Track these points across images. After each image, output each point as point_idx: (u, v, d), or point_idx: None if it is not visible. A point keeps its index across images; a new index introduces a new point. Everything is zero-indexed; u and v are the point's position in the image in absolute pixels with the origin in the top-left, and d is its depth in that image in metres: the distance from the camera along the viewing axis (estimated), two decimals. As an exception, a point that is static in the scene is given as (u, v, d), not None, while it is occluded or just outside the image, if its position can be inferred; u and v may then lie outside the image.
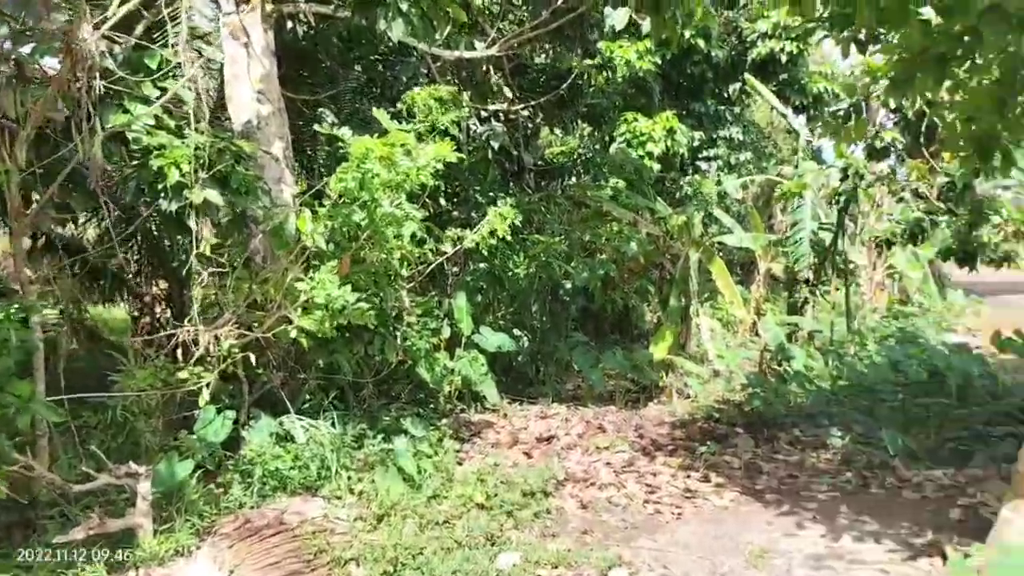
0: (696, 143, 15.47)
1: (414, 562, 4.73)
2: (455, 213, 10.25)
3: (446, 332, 9.27)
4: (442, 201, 10.92)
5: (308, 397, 6.84)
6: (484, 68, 8.61)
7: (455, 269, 10.37)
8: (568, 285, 10.12)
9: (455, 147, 10.17)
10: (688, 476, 6.59)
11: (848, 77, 11.64)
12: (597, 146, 14.01)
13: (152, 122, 5.47)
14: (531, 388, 10.28)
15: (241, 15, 7.44)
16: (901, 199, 13.02)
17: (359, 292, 6.74)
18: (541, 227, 10.58)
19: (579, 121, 12.04)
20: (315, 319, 5.71)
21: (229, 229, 6.15)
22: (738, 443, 7.46)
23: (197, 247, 5.68)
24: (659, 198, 12.79)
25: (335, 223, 6.38)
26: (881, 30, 5.79)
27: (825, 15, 5.70)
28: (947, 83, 6.18)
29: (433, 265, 8.40)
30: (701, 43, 13.67)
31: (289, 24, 9.44)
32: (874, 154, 10.08)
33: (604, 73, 11.07)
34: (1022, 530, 4.22)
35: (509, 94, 9.22)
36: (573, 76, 9.62)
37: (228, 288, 6.39)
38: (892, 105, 6.71)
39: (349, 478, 5.87)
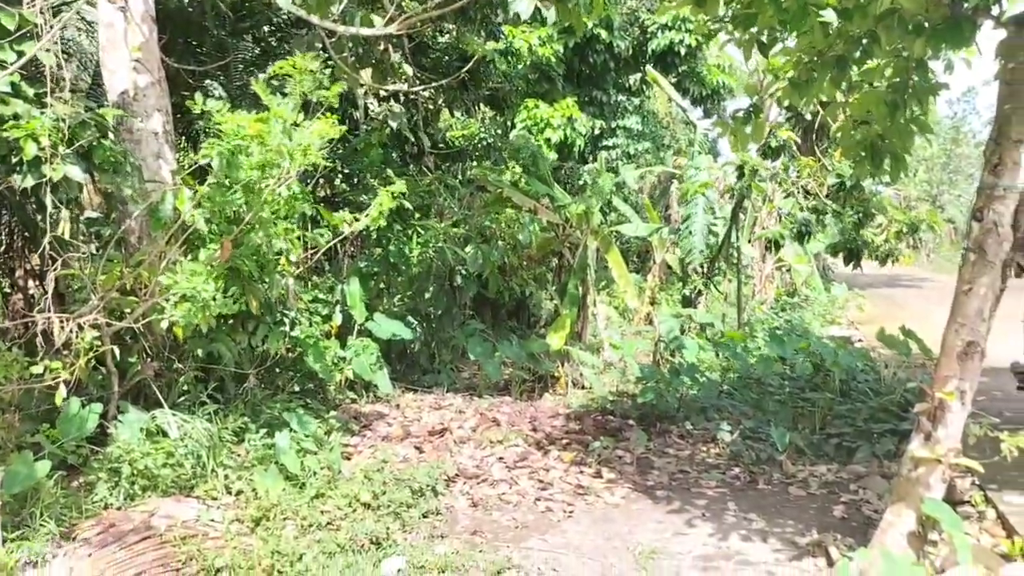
0: (596, 132, 15.53)
1: (292, 569, 4.46)
2: (352, 196, 9.89)
3: (338, 319, 8.96)
4: (338, 182, 10.56)
5: (185, 389, 6.42)
6: (383, 46, 8.26)
7: (350, 254, 10.02)
8: (464, 271, 9.89)
9: (351, 127, 9.84)
10: (581, 472, 6.51)
11: (748, 75, 11.83)
12: (499, 131, 13.85)
13: (8, 89, 4.94)
14: (426, 377, 10.05)
15: (118, -25, 6.88)
16: (791, 195, 13.39)
17: (241, 278, 6.40)
18: (440, 212, 10.32)
19: (481, 105, 11.80)
20: (183, 311, 5.30)
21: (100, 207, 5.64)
22: (631, 437, 7.44)
23: (54, 228, 5.18)
24: (559, 186, 12.74)
25: (215, 204, 5.98)
26: (782, 32, 5.80)
27: (728, 15, 5.67)
28: (843, 86, 6.30)
29: (322, 250, 8.06)
30: (603, 33, 13.67)
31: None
32: (769, 153, 10.25)
33: (507, 58, 10.87)
34: (903, 535, 4.29)
35: (410, 73, 8.90)
36: (475, 59, 9.35)
37: (95, 272, 5.91)
38: (786, 104, 6.75)
39: (227, 477, 5.52)
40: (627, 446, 7.14)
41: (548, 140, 13.41)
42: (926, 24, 5.08)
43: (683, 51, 15.03)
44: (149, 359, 6.37)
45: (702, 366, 10.16)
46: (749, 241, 14.64)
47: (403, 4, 8.32)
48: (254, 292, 6.65)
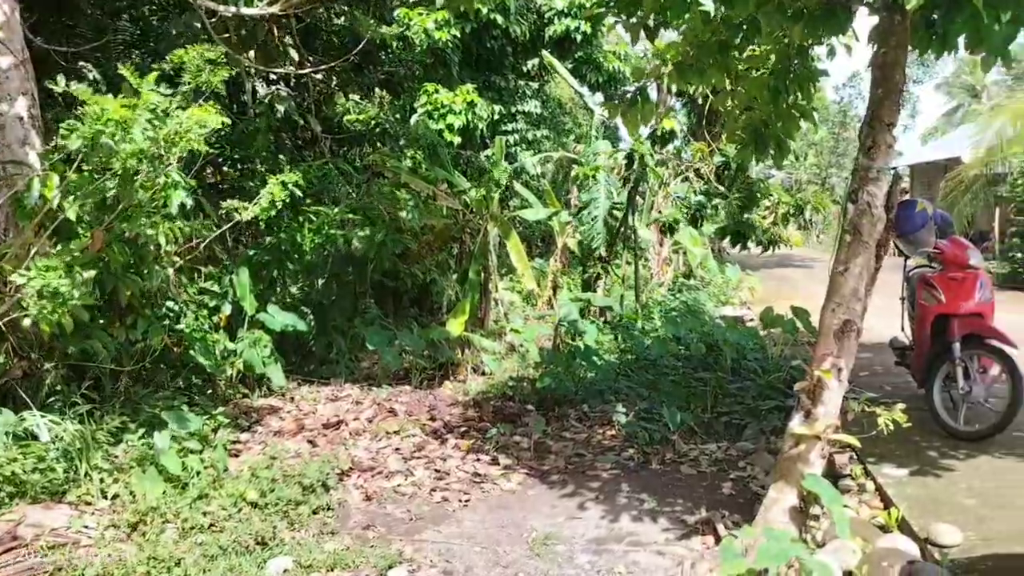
0: (496, 117, 15.45)
1: (169, 575, 4.26)
2: (242, 184, 9.54)
3: (228, 311, 8.65)
4: (228, 169, 10.17)
5: (57, 389, 6.06)
6: (267, 27, 7.96)
7: (243, 243, 9.69)
8: (356, 258, 9.68)
9: (238, 112, 9.46)
10: (478, 459, 6.47)
11: (641, 60, 11.95)
12: (397, 116, 13.62)
13: None
14: (324, 368, 9.81)
15: (-28, -54, 6.39)
16: (686, 179, 13.67)
17: (112, 270, 6.08)
18: (335, 199, 10.07)
19: (377, 89, 11.57)
20: (37, 308, 4.98)
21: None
22: (529, 422, 7.44)
23: None
24: (459, 172, 12.63)
25: (85, 192, 5.64)
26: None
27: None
28: (729, 72, 6.41)
29: (207, 240, 7.75)
30: (499, 18, 13.59)
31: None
32: (659, 138, 10.40)
33: (401, 41, 10.68)
34: (785, 511, 4.40)
35: (297, 56, 8.62)
36: (364, 42, 9.13)
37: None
38: (675, 89, 6.83)
39: (102, 480, 5.24)
40: (525, 431, 7.13)
41: (451, 126, 13.26)
42: (804, 11, 5.19)
43: (579, 38, 15.08)
44: (17, 358, 5.99)
45: (601, 349, 10.27)
46: (648, 225, 14.86)
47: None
48: (127, 284, 6.34)
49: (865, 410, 4.90)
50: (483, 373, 9.66)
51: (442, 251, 12.81)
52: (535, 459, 6.53)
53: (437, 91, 13.02)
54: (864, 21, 6.72)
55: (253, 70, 8.48)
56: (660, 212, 14.40)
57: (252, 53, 8.25)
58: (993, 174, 20.59)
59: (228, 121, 6.11)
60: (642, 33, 5.81)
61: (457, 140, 13.28)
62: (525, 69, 16.61)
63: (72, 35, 8.77)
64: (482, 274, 11.67)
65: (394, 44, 10.73)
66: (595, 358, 8.94)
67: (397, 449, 6.65)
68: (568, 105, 22.37)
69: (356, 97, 12.55)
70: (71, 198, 5.68)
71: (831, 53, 7.38)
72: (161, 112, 5.42)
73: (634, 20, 5.93)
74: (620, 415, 7.31)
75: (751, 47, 6.12)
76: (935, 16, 4.99)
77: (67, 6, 8.56)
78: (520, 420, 7.60)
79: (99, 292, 6.26)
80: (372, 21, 9.67)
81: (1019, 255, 18.00)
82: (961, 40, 4.87)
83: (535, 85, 16.87)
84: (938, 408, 6.12)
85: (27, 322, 5.11)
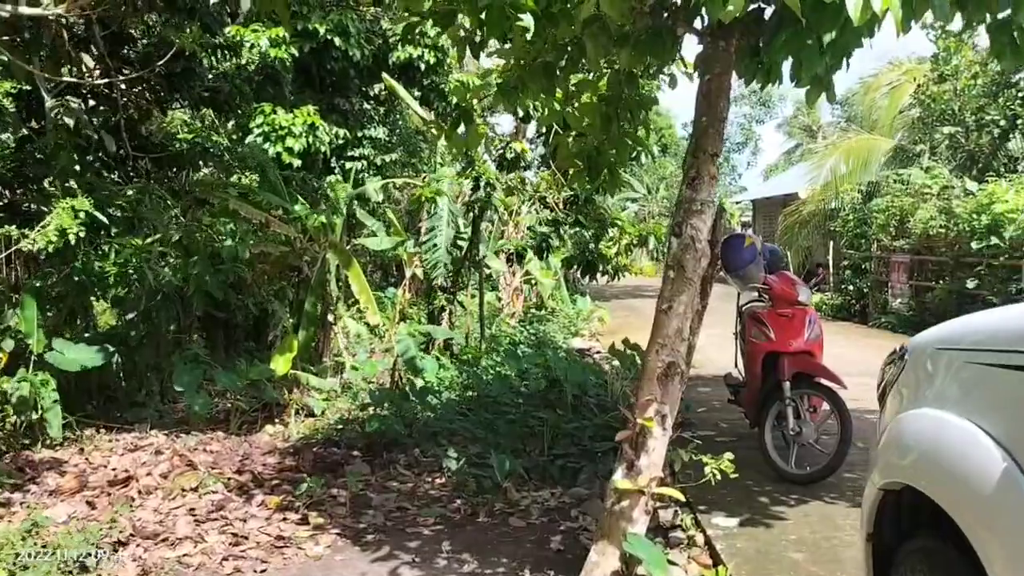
0: (342, 141, 14.80)
1: None
2: (29, 207, 8.46)
3: (9, 347, 7.59)
4: (19, 192, 9.03)
5: None
6: (54, 31, 7.06)
7: (31, 273, 8.59)
8: (164, 292, 8.77)
9: (34, 126, 8.41)
10: (285, 519, 5.76)
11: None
12: (230, 136, 12.75)
13: None
14: (131, 411, 8.80)
15: None
16: (534, 208, 13.43)
17: None
18: (151, 225, 9.12)
19: (200, 107, 10.69)
20: None
21: None
22: (352, 471, 6.80)
23: None
24: (300, 197, 11.89)
25: None
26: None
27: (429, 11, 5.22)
28: (559, 95, 6.09)
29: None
30: (337, 40, 13.02)
31: None
32: (505, 164, 10.07)
33: (221, 54, 9.90)
34: (607, 575, 3.98)
35: (92, 64, 7.72)
36: (172, 53, 8.32)
37: None
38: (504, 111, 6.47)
39: None
40: (345, 483, 6.47)
41: (290, 149, 12.49)
42: (630, 34, 4.90)
43: (423, 66, 14.68)
44: None
45: (442, 385, 9.75)
46: (497, 254, 14.51)
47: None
48: None
49: (693, 459, 4.57)
50: (311, 415, 8.91)
51: (279, 281, 12.03)
52: (351, 516, 5.89)
53: (274, 111, 12.26)
54: (695, 49, 6.56)
55: (47, 80, 7.50)
56: (510, 241, 14.08)
57: (40, 60, 7.29)
58: (828, 209, 21.62)
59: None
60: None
61: (297, 163, 12.55)
62: (372, 93, 16.06)
63: None
64: (319, 305, 10.98)
65: (216, 58, 9.90)
66: (431, 397, 8.41)
67: (192, 510, 5.84)
68: (424, 131, 21.92)
69: (182, 115, 11.61)
70: None
71: (672, 83, 7.23)
72: None
73: (459, 35, 5.54)
74: (451, 460, 6.78)
75: (579, 71, 5.83)
76: (760, 44, 4.82)
77: None
78: (343, 468, 6.94)
79: None
80: (189, 33, 8.84)
81: (850, 287, 18.86)
82: (786, 71, 4.71)
83: (383, 110, 16.33)
84: (769, 449, 5.95)
85: None
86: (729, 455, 4.56)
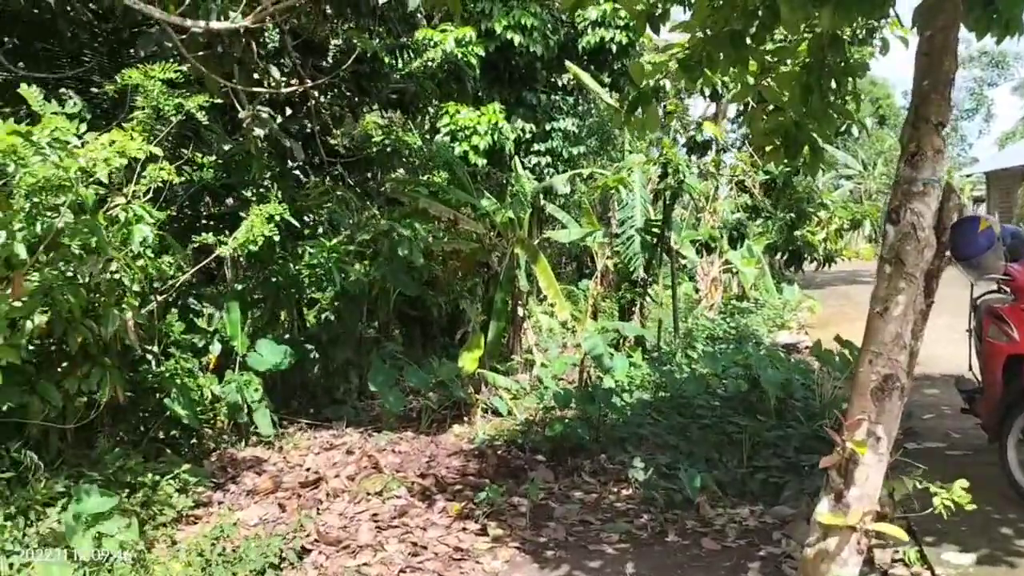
0: (528, 136, 14.68)
1: None
2: (232, 214, 8.88)
3: (217, 351, 7.99)
4: (224, 199, 9.53)
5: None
6: (243, 43, 7.30)
7: (234, 278, 9.02)
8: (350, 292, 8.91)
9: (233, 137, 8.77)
10: (464, 529, 5.57)
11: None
12: (424, 136, 12.94)
13: None
14: (329, 409, 9.06)
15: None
16: (734, 192, 12.61)
17: (61, 315, 5.41)
18: (339, 229, 9.34)
19: (387, 109, 10.86)
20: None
21: None
22: (534, 477, 6.52)
23: None
24: (487, 193, 11.87)
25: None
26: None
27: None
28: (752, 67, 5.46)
29: (187, 275, 7.07)
30: (516, 38, 12.87)
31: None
32: (695, 147, 9.42)
33: (410, 55, 9.97)
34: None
35: (278, 74, 7.95)
36: (354, 56, 8.41)
37: None
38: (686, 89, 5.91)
39: (12, 565, 4.51)
40: (527, 491, 6.19)
41: (476, 148, 12.52)
42: (833, -9, 4.22)
43: (615, 48, 14.21)
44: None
45: (632, 386, 9.29)
46: (695, 244, 13.80)
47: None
48: (79, 330, 5.67)
49: (917, 487, 3.85)
50: (498, 414, 8.75)
51: (471, 277, 12.06)
52: (532, 527, 5.60)
53: (458, 111, 12.31)
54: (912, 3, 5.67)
55: (241, 92, 7.79)
56: (705, 228, 13.33)
57: (238, 73, 7.56)
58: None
59: (150, 149, 5.38)
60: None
61: (482, 162, 12.54)
62: (560, 83, 15.79)
63: (53, 61, 8.27)
64: (508, 301, 10.87)
65: (402, 59, 9.99)
66: (618, 399, 7.97)
67: (375, 515, 5.79)
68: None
69: (373, 118, 11.88)
70: (20, 236, 5.03)
71: (884, 48, 6.38)
72: (73, 138, 4.70)
73: (639, 8, 5.09)
74: (638, 471, 6.32)
75: (772, 39, 5.17)
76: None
77: (48, 31, 8.04)
78: (526, 474, 6.68)
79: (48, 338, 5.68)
80: (373, 37, 8.93)
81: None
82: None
83: (571, 100, 16.01)
84: (1013, 469, 5.03)
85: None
86: (963, 482, 3.80)
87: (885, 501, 3.81)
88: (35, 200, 4.66)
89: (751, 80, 5.51)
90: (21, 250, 4.88)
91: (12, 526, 4.71)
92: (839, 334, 7.98)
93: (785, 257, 10.85)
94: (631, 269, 11.73)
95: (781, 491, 5.96)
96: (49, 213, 4.81)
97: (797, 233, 9.47)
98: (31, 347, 5.25)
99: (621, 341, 11.40)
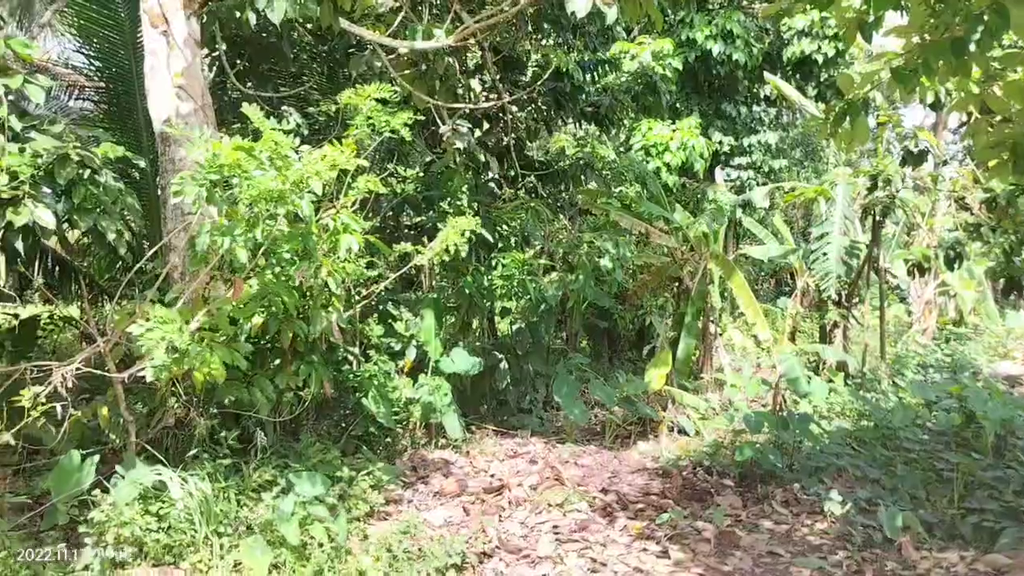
0: (726, 149, 14.31)
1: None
2: (431, 226, 9.29)
3: (412, 356, 8.37)
4: (422, 210, 9.97)
5: (215, 440, 5.94)
6: (448, 61, 7.61)
7: (428, 287, 9.42)
8: (547, 305, 9.00)
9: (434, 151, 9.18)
10: (645, 549, 5.47)
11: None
12: (617, 150, 12.95)
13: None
14: (515, 418, 9.24)
15: (161, 0, 6.61)
16: (953, 209, 11.61)
17: (277, 315, 5.88)
18: (529, 240, 9.52)
19: (581, 123, 10.95)
20: (155, 365, 4.76)
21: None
22: (721, 502, 6.31)
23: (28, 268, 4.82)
24: (680, 206, 11.67)
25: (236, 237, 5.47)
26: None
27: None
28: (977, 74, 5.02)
29: (382, 286, 7.44)
30: (719, 46, 12.55)
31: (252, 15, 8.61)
32: (909, 159, 8.75)
33: (606, 69, 10.01)
34: None
35: (479, 89, 8.21)
36: (551, 70, 8.54)
37: (109, 314, 5.57)
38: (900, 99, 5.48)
39: (222, 546, 4.93)
40: (712, 516, 6.00)
41: (668, 165, 12.38)
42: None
43: (821, 59, 13.55)
44: (175, 405, 5.95)
45: (831, 413, 8.79)
46: (907, 263, 12.85)
47: (463, 14, 7.64)
48: (292, 329, 6.12)
49: None
50: (684, 433, 8.55)
51: (660, 292, 11.91)
52: (716, 554, 5.41)
53: (651, 128, 12.20)
54: None
55: (443, 107, 8.15)
56: (918, 247, 12.36)
57: (438, 88, 7.92)
58: None
59: (360, 163, 5.69)
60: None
61: (674, 179, 12.36)
62: (762, 94, 15.26)
63: (276, 80, 9.03)
64: (699, 318, 10.62)
65: (597, 73, 10.05)
66: (815, 426, 7.55)
67: (555, 527, 5.82)
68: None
69: (567, 132, 12.05)
70: (241, 242, 5.53)
71: None
72: (290, 152, 5.08)
73: (850, 15, 4.82)
74: (834, 504, 5.95)
75: (999, 45, 4.73)
76: None
77: (273, 53, 8.79)
78: (711, 498, 6.48)
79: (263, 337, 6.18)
80: (569, 52, 9.04)
81: None
82: None
83: (773, 112, 15.43)
84: None
85: (148, 376, 4.92)
86: None
87: None
88: (256, 209, 5.07)
89: (975, 89, 5.07)
90: (243, 255, 5.34)
91: (227, 509, 5.14)
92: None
93: (1003, 284, 9.81)
94: (822, 289, 11.10)
95: (997, 537, 5.39)
96: (268, 221, 5.20)
97: (1018, 260, 8.51)
98: (248, 345, 5.69)
99: (820, 365, 10.84)
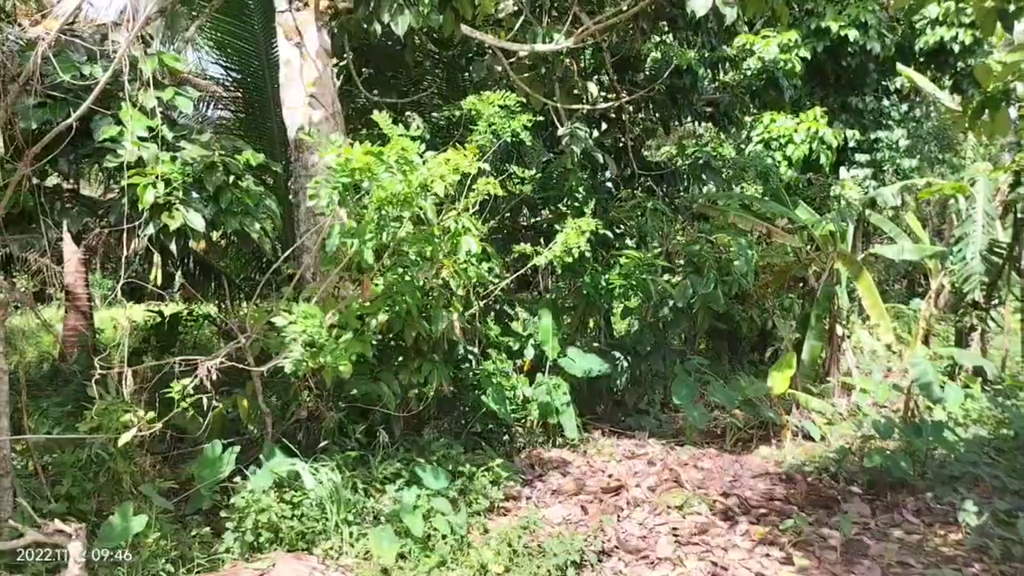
0: (852, 144, 13.78)
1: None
2: (549, 226, 9.38)
3: (531, 355, 8.48)
4: (541, 211, 10.08)
5: (344, 433, 6.22)
6: (566, 63, 7.67)
7: (544, 287, 9.51)
8: (671, 305, 8.89)
9: (552, 152, 9.26)
10: (768, 555, 5.38)
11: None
12: (737, 148, 12.71)
13: (144, 133, 4.98)
14: (631, 418, 9.22)
15: (294, 13, 6.97)
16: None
17: (400, 314, 6.09)
18: (646, 241, 9.46)
19: (700, 121, 10.80)
20: (294, 358, 5.02)
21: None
22: (848, 510, 6.12)
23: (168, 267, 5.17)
24: (803, 203, 11.33)
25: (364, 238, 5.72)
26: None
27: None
28: None
29: (501, 284, 7.57)
30: (853, 34, 12.08)
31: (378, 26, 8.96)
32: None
33: (726, 65, 9.84)
34: None
35: (595, 91, 8.22)
36: (671, 68, 8.47)
37: (248, 313, 5.92)
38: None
39: (351, 534, 5.16)
40: (838, 523, 5.83)
41: (789, 159, 12.02)
42: None
43: (957, 48, 12.87)
44: (307, 399, 6.26)
45: (967, 419, 8.36)
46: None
47: (582, 15, 7.69)
48: (415, 327, 6.34)
49: None
50: (809, 438, 8.31)
51: (784, 292, 11.61)
52: (842, 562, 5.26)
53: (774, 120, 11.88)
54: None
55: (561, 109, 8.23)
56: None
57: (556, 92, 8.01)
58: None
59: (481, 166, 5.82)
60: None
61: (792, 173, 11.99)
62: (892, 87, 14.63)
63: (400, 87, 9.34)
64: (825, 320, 10.28)
65: (716, 70, 9.89)
66: (950, 433, 7.19)
67: (674, 529, 5.79)
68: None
69: (687, 131, 11.91)
70: (370, 244, 5.78)
71: None
72: (415, 157, 5.26)
73: (989, 3, 4.62)
74: (970, 514, 5.67)
75: None
76: None
77: (396, 61, 9.10)
78: (838, 506, 6.29)
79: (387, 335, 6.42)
80: (687, 50, 8.95)
81: None
82: None
83: (904, 107, 14.76)
84: None
85: (288, 368, 5.20)
86: None
87: None
88: (383, 212, 5.28)
89: None
90: (370, 256, 5.58)
91: (355, 500, 5.38)
92: None
93: None
94: (965, 291, 10.53)
95: None
96: (393, 224, 5.41)
97: None
98: (374, 342, 5.93)
99: (956, 370, 10.30)
